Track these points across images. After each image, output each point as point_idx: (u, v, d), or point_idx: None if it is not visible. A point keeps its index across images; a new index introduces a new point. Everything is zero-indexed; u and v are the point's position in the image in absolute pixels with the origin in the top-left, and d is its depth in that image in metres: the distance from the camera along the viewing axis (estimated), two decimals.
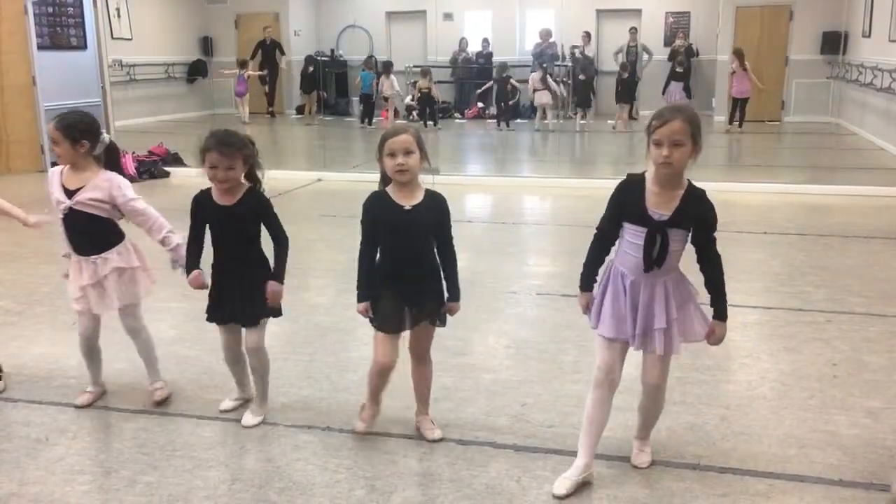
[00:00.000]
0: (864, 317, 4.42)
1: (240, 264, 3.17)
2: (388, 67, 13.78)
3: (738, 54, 12.54)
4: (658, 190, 2.67)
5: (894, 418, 3.23)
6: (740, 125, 12.68)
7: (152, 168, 9.35)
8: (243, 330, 3.25)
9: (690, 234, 2.71)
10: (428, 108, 13.55)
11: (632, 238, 2.72)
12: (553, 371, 3.73)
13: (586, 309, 2.85)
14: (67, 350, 4.02)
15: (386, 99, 13.68)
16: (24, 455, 3.02)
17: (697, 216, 2.68)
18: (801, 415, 3.30)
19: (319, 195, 8.32)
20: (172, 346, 4.10)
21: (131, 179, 8.92)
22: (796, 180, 8.60)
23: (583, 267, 2.84)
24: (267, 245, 3.18)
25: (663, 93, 13.10)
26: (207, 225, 3.20)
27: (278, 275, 3.15)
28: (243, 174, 3.14)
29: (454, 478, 2.84)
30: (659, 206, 2.67)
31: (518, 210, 8.01)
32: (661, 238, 2.65)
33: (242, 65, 14.04)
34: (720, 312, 2.74)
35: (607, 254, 2.83)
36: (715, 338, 2.75)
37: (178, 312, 4.67)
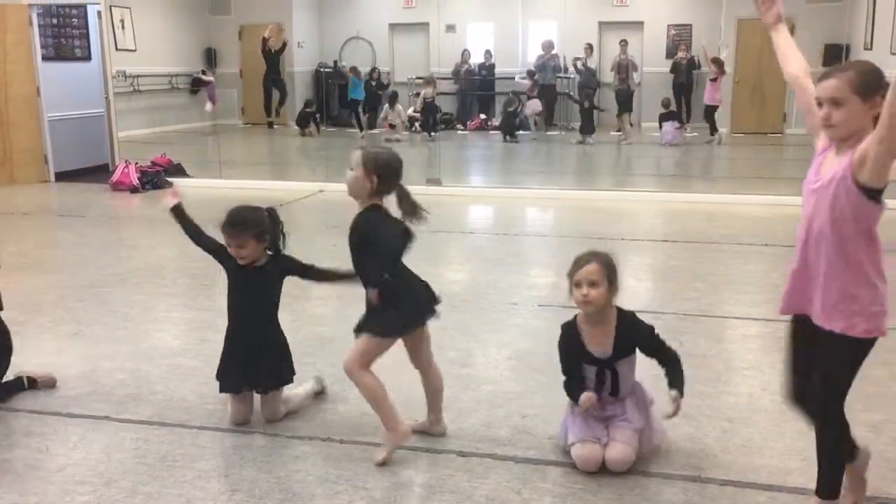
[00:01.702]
0: None
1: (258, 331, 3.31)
2: (393, 99, 13.95)
3: (718, 63, 12.76)
4: (590, 329, 2.96)
5: (895, 431, 3.22)
6: (714, 131, 12.87)
7: (155, 178, 9.37)
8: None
9: (641, 352, 3.00)
10: (431, 118, 13.63)
11: (590, 374, 2.98)
12: (554, 383, 3.69)
13: (592, 403, 2.96)
14: (69, 360, 4.04)
15: (392, 126, 13.83)
16: (24, 465, 3.03)
17: (636, 340, 2.98)
18: (802, 427, 3.26)
19: (321, 206, 8.33)
20: (175, 357, 4.11)
21: (134, 190, 9.07)
22: (798, 192, 8.56)
23: (568, 390, 3.04)
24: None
25: (660, 127, 13.24)
26: (227, 280, 3.32)
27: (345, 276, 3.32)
28: (264, 247, 3.24)
29: (454, 489, 2.83)
30: (597, 344, 2.95)
31: (520, 221, 8.02)
32: (610, 373, 2.94)
33: (205, 73, 14.18)
34: (681, 390, 2.90)
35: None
36: (677, 407, 2.86)
37: (179, 322, 4.68)
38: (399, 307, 2.99)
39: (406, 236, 2.97)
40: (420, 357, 3.16)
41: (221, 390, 3.36)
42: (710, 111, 12.91)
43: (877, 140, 2.22)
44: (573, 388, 3.01)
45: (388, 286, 2.95)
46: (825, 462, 2.54)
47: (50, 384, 3.70)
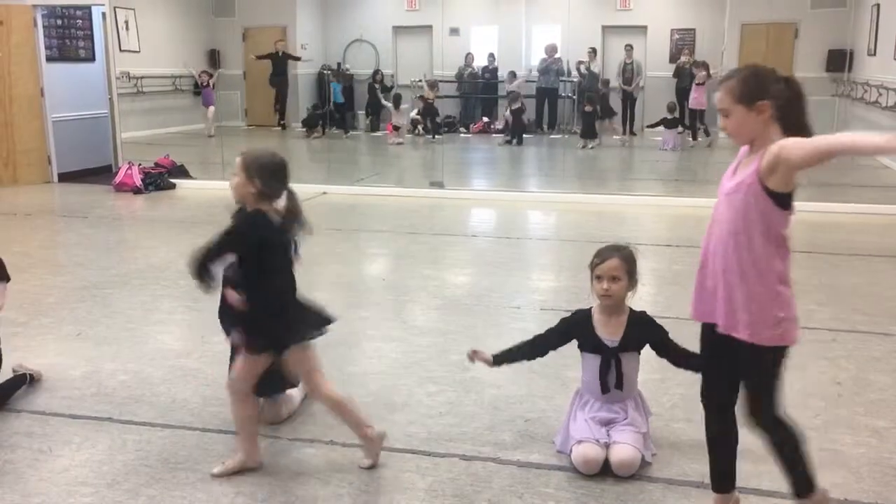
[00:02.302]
0: (869, 335, 4.41)
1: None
2: (397, 101, 14.07)
3: (706, 66, 12.84)
4: (604, 318, 3.05)
5: None
6: (707, 134, 12.95)
7: (158, 180, 9.37)
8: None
9: (653, 350, 3.10)
10: (430, 120, 13.69)
11: (591, 367, 3.06)
12: (556, 386, 3.72)
13: (475, 356, 3.16)
14: (72, 361, 4.04)
15: (396, 128, 13.88)
16: (26, 466, 3.02)
17: (647, 336, 3.08)
18: (806, 433, 3.27)
19: (325, 208, 8.32)
20: (177, 358, 4.10)
21: (137, 191, 9.08)
22: (800, 198, 8.41)
23: (511, 347, 3.18)
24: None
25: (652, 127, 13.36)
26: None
27: None
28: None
29: (457, 493, 2.83)
30: (608, 332, 3.04)
31: (522, 224, 8.01)
32: (615, 362, 3.01)
33: (209, 74, 14.14)
34: None
35: (531, 356, 3.21)
36: None
37: (182, 324, 4.67)
38: (275, 321, 2.83)
39: (284, 238, 2.87)
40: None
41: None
42: (699, 115, 12.97)
43: (784, 158, 2.21)
44: (529, 346, 3.17)
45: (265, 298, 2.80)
46: (788, 467, 2.54)
47: (37, 377, 3.75)
